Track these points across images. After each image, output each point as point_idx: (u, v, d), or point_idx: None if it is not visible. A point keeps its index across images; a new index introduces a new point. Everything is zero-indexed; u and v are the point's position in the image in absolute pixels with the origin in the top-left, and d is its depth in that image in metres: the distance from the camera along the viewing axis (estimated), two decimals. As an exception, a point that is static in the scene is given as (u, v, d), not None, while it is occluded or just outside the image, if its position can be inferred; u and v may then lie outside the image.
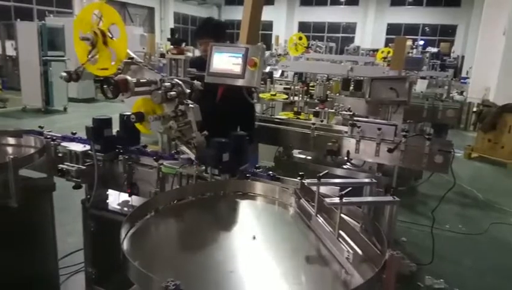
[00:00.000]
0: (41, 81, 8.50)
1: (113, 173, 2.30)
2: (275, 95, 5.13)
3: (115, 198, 2.45)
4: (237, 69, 2.16)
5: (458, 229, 4.32)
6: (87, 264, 2.57)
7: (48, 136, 2.50)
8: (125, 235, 1.38)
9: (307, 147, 3.43)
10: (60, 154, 2.41)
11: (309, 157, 3.63)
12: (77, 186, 2.32)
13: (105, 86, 1.98)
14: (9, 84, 10.31)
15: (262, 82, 5.49)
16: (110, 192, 2.48)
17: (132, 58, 2.18)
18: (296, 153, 3.69)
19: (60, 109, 9.01)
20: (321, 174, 1.56)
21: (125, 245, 1.35)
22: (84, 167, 2.25)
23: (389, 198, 1.40)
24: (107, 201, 2.47)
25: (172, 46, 2.32)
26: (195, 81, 2.30)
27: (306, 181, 1.56)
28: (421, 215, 4.46)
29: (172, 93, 2.02)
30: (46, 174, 2.41)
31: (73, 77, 2.26)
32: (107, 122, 2.26)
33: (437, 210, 3.22)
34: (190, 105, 2.11)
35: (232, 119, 3.04)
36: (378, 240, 1.41)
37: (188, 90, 2.13)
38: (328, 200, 1.35)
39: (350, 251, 1.32)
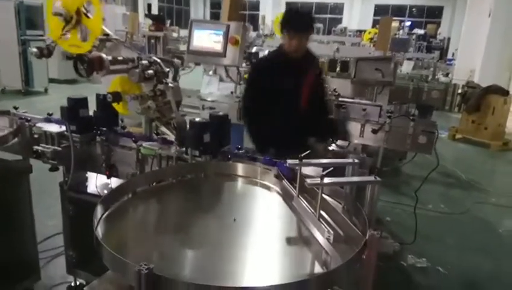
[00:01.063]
0: (20, 61, 8.22)
1: (90, 155, 2.23)
2: (260, 75, 5.05)
3: (94, 181, 2.38)
4: (218, 47, 2.10)
5: (441, 209, 4.38)
6: (67, 247, 2.51)
7: (23, 117, 2.41)
8: (99, 219, 1.33)
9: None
10: (36, 136, 2.32)
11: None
12: (54, 169, 2.24)
13: (79, 64, 1.90)
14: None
15: (247, 62, 5.41)
16: (90, 174, 2.42)
17: (108, 34, 2.09)
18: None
19: (41, 90, 8.76)
20: (303, 154, 1.52)
21: (99, 229, 1.30)
22: (60, 149, 2.17)
23: (370, 178, 1.37)
24: (86, 184, 2.41)
25: (151, 23, 2.24)
26: (175, 60, 2.23)
27: (288, 162, 1.53)
28: (404, 195, 4.49)
29: (150, 71, 1.95)
30: (21, 156, 2.33)
31: (45, 52, 2.16)
32: (83, 102, 2.18)
33: (420, 190, 3.24)
34: (169, 84, 2.04)
35: (315, 128, 2.71)
36: (360, 221, 1.39)
37: (167, 69, 2.07)
38: (308, 180, 1.32)
39: (330, 231, 1.30)
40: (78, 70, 1.92)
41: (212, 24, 2.14)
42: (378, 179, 1.37)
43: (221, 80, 4.94)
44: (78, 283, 2.57)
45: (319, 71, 2.76)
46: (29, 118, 2.36)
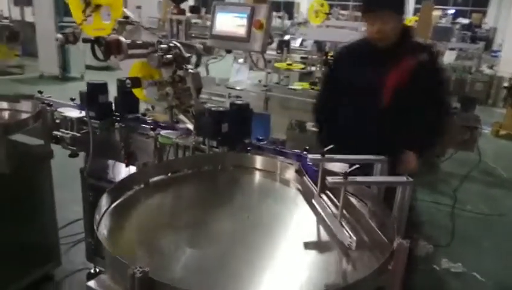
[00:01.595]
0: (58, 47, 8.43)
1: (110, 142, 2.17)
2: (291, 64, 4.89)
3: (114, 168, 2.34)
4: (242, 31, 1.96)
5: (479, 210, 4.09)
6: (86, 234, 2.51)
7: (45, 102, 2.38)
8: (103, 212, 1.25)
9: (321, 119, 3.22)
10: (57, 121, 2.30)
11: (323, 131, 3.43)
12: (73, 155, 2.22)
13: (96, 48, 1.83)
14: (29, 51, 10.30)
15: (279, 51, 5.25)
16: (110, 162, 2.38)
17: (128, 17, 2.01)
18: (310, 126, 3.50)
19: (77, 76, 8.95)
20: (326, 148, 1.38)
21: (103, 223, 1.22)
22: (79, 135, 2.13)
23: (401, 178, 1.22)
24: (107, 171, 2.38)
25: (173, 6, 2.15)
26: (197, 45, 2.12)
27: (309, 156, 1.39)
28: (441, 194, 4.22)
29: (169, 56, 1.85)
30: (42, 141, 2.32)
31: (71, 39, 2.12)
32: (102, 87, 2.12)
33: (459, 189, 3.00)
34: (190, 70, 1.94)
35: (406, 134, 1.99)
36: (388, 226, 1.24)
37: (188, 55, 1.96)
38: (330, 178, 1.18)
39: (353, 237, 1.16)
40: (96, 54, 1.85)
41: (236, 6, 2.01)
42: (409, 179, 1.21)
43: (251, 68, 4.83)
44: (98, 270, 2.56)
45: (426, 60, 2.00)
46: (51, 103, 2.34)
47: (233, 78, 4.75)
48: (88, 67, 9.26)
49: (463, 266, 3.05)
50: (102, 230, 1.19)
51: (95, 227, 1.15)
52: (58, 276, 2.57)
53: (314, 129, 3.49)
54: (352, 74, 2.05)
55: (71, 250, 2.77)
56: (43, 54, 8.72)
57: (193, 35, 2.24)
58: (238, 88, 3.78)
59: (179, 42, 1.96)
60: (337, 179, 1.18)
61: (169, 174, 1.62)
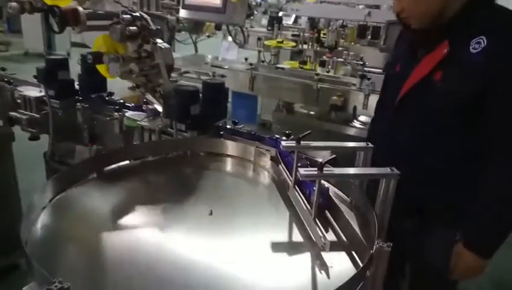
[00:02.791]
0: (43, 24, 8.09)
1: (72, 124, 1.98)
2: (281, 42, 4.65)
3: (80, 151, 2.15)
4: (217, 1, 1.76)
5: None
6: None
7: (5, 79, 2.18)
8: (42, 209, 1.08)
9: (310, 100, 3.03)
10: (19, 101, 2.10)
11: (312, 113, 3.25)
12: (33, 138, 2.03)
13: (50, 18, 1.62)
14: (14, 28, 9.94)
15: (269, 28, 5.01)
16: (78, 145, 2.19)
17: (88, -16, 1.79)
18: (298, 108, 3.31)
19: (63, 53, 8.65)
20: (302, 135, 1.20)
21: (39, 221, 1.05)
22: (38, 116, 1.94)
23: (384, 170, 1.04)
24: (73, 155, 2.19)
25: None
26: (169, 16, 1.92)
27: (282, 143, 1.21)
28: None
29: (133, 28, 1.65)
30: (1, 122, 2.12)
31: (27, 7, 1.90)
32: (62, 63, 1.92)
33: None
34: (159, 44, 1.74)
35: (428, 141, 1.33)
36: (370, 226, 1.08)
37: (157, 27, 1.76)
38: (302, 171, 1.01)
39: (327, 238, 1.00)
40: (51, 25, 1.64)
41: (210, -27, 1.80)
42: (395, 171, 1.04)
43: (241, 46, 4.60)
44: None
45: (487, 47, 1.16)
46: (12, 81, 2.14)
47: (222, 56, 4.53)
48: (74, 44, 8.96)
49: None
50: (35, 230, 1.02)
51: (21, 227, 0.98)
52: (24, 266, 2.41)
53: (303, 111, 3.32)
54: (392, 59, 1.58)
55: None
56: (28, 30, 8.40)
57: (165, 6, 2.03)
58: (223, 67, 3.56)
59: (147, 13, 1.75)
60: (311, 171, 1.01)
61: (129, 162, 1.45)
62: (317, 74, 2.89)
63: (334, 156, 1.04)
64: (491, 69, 1.15)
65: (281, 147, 1.21)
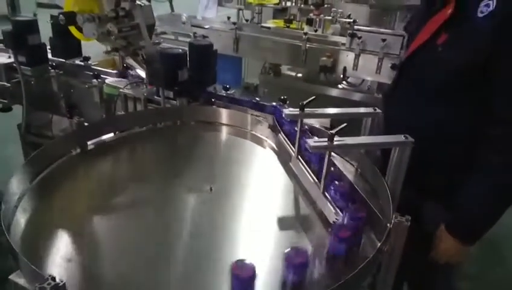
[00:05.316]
0: (4, -18, 7.50)
1: (47, 93, 1.82)
2: (264, -1, 4.43)
3: (58, 122, 2.00)
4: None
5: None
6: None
7: (-33, 45, 1.96)
8: (22, 194, 0.97)
9: (297, 62, 2.91)
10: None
11: (299, 75, 3.13)
12: (6, 109, 1.86)
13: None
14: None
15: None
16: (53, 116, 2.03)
17: None
18: (285, 70, 3.18)
19: (29, 15, 8.12)
20: (306, 101, 1.11)
21: (21, 206, 0.95)
22: (9, 85, 1.77)
23: (398, 138, 0.97)
24: (50, 127, 2.04)
25: None
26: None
27: (285, 112, 1.12)
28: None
29: (108, -16, 1.48)
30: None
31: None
32: (32, 25, 1.73)
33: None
34: (138, 2, 1.58)
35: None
36: (382, 198, 1.01)
37: (135, -18, 1.58)
38: (312, 142, 0.92)
39: (339, 213, 0.93)
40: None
41: None
42: (409, 139, 0.96)
43: (220, 3, 4.37)
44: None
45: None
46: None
47: (201, 15, 4.29)
48: (40, 5, 8.39)
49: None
50: (18, 216, 0.91)
51: (1, 214, 0.87)
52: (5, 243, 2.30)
53: (291, 73, 3.20)
54: (409, 20, 1.47)
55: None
56: (-13, -10, 7.77)
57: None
58: (204, 27, 3.36)
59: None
60: (321, 143, 0.92)
61: (114, 134, 1.33)
62: (305, 34, 2.75)
63: (345, 124, 0.95)
64: (497, 36, 1.05)
65: (283, 115, 1.12)
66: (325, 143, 0.92)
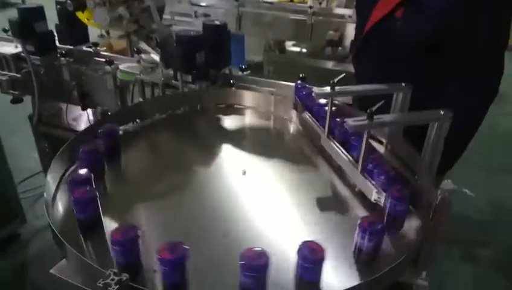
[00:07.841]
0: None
1: (58, 82, 1.78)
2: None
3: (70, 112, 1.97)
4: None
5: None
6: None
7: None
8: (57, 186, 0.95)
9: (303, 37, 2.86)
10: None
11: (304, 51, 3.09)
12: (16, 100, 1.83)
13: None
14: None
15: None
16: (65, 105, 2.00)
17: None
18: (290, 46, 3.13)
19: (18, 1, 7.89)
20: (336, 79, 1.08)
21: (56, 206, 0.93)
22: (19, 75, 1.73)
23: (436, 113, 0.95)
24: (62, 116, 2.01)
25: None
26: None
27: (315, 90, 1.09)
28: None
29: (118, -34, 1.42)
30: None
31: None
32: (38, 12, 1.67)
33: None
34: (147, -16, 1.53)
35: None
36: (419, 173, 1.01)
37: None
38: (351, 121, 0.90)
39: (381, 191, 0.92)
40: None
41: None
42: (448, 113, 0.95)
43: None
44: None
45: None
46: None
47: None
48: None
49: (452, 182, 2.97)
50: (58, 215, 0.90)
51: (48, 211, 0.85)
52: (25, 235, 2.31)
53: (295, 49, 3.15)
54: None
55: (35, 205, 2.46)
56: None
57: None
58: (204, 4, 3.27)
59: None
60: (361, 122, 0.90)
61: (136, 122, 1.30)
62: (310, 7, 2.69)
63: (383, 101, 0.94)
64: (450, 13, 1.11)
65: (313, 94, 1.10)
66: (365, 122, 0.90)
